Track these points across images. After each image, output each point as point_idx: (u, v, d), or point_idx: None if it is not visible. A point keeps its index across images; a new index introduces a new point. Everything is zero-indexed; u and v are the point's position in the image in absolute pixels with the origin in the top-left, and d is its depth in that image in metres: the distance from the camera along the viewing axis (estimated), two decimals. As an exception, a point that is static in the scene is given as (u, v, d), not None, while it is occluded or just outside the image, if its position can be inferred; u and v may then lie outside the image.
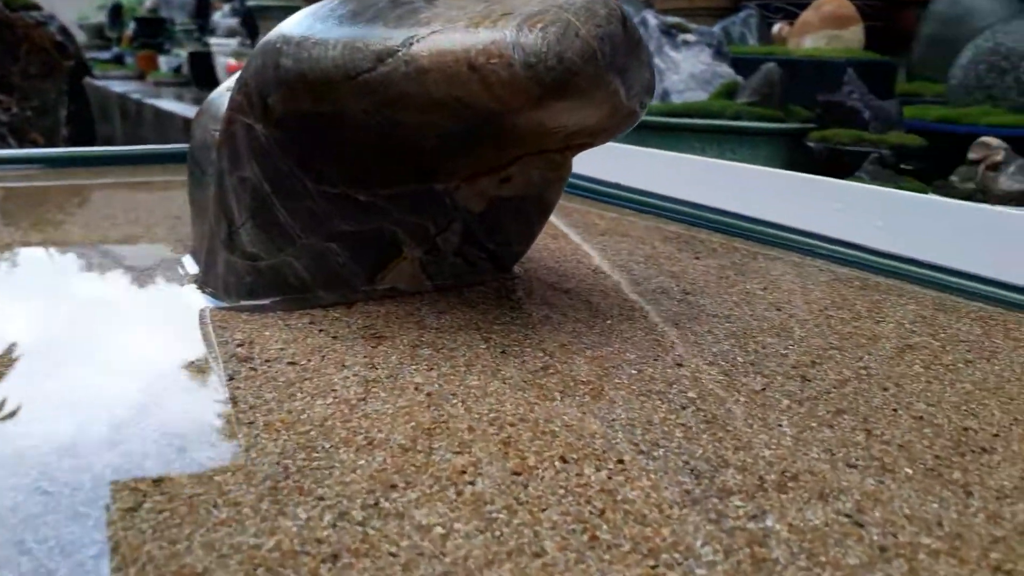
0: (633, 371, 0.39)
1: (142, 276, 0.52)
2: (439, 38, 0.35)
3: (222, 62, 3.95)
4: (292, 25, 0.39)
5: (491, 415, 0.34)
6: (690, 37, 1.71)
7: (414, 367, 0.38)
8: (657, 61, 1.76)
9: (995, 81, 1.40)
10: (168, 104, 3.10)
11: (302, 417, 0.33)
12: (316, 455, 0.30)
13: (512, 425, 0.33)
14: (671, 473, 0.30)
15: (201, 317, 0.44)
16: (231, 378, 0.37)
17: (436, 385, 0.36)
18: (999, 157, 1.26)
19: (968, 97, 1.45)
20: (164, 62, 4.78)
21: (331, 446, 0.31)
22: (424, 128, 0.39)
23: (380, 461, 0.30)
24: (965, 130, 1.32)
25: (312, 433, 0.32)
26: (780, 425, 0.34)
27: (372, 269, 0.46)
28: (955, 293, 0.53)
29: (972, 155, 1.30)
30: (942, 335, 0.45)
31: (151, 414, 0.33)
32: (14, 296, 0.49)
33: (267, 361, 0.39)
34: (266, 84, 0.40)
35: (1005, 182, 1.25)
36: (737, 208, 0.71)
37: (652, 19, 1.74)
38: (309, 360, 0.39)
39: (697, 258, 0.60)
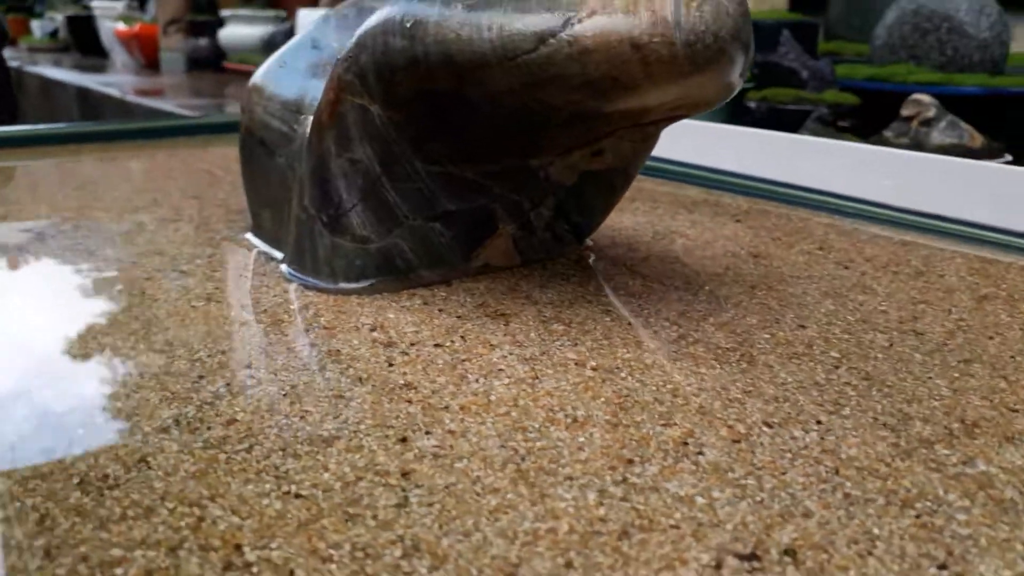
0: (766, 335, 0.40)
1: (223, 263, 0.50)
2: (601, 19, 0.35)
3: (108, 27, 3.72)
4: (418, 6, 0.38)
5: (668, 386, 0.35)
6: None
7: (558, 343, 0.39)
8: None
9: (918, 41, 1.49)
10: (57, 73, 2.89)
11: (492, 399, 0.33)
12: (532, 435, 0.31)
13: (696, 395, 0.34)
14: (869, 429, 0.32)
15: (316, 304, 0.43)
16: (390, 364, 0.36)
17: (594, 360, 0.37)
18: (930, 113, 1.34)
19: (892, 56, 1.53)
20: (38, 27, 4.46)
21: (540, 425, 0.31)
22: (563, 107, 0.39)
23: (599, 437, 0.31)
24: (895, 88, 1.40)
25: (513, 414, 0.32)
26: (930, 377, 0.37)
27: (470, 247, 0.46)
28: (988, 246, 0.58)
29: (905, 112, 1.38)
30: (1004, 285, 0.49)
31: (349, 406, 0.32)
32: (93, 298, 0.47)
33: (412, 344, 0.38)
34: (390, 65, 0.39)
35: (936, 136, 1.34)
36: (748, 170, 0.73)
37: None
38: (452, 341, 0.39)
39: (738, 221, 0.62)
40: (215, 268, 0.49)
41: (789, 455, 0.30)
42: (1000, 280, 0.50)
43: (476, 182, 0.44)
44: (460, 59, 0.36)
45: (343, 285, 0.44)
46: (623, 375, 0.36)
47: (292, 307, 0.43)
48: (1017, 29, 1.65)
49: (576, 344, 0.39)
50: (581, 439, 0.31)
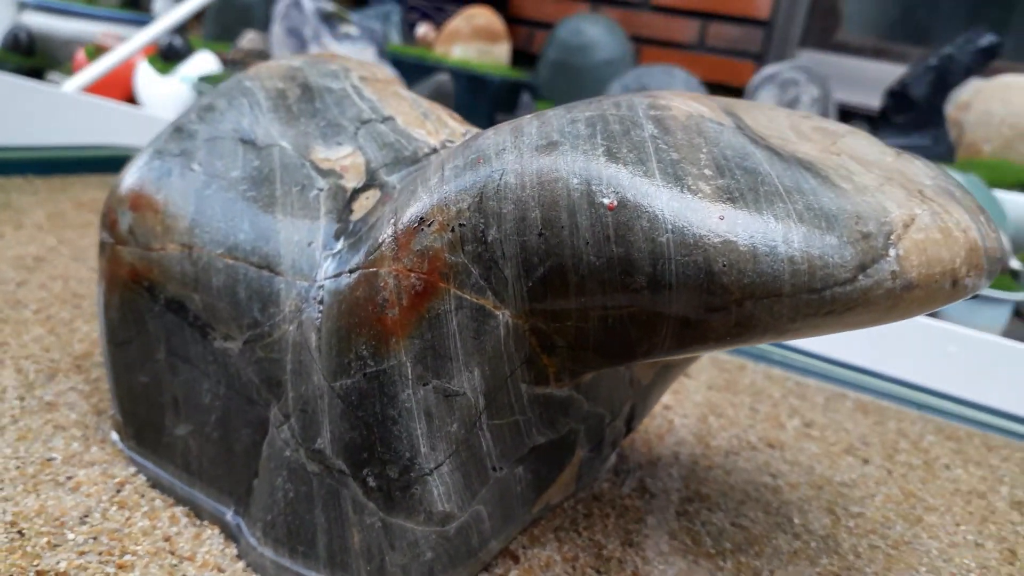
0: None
1: (106, 524, 0.28)
2: (926, 238, 0.23)
3: None
4: (617, 168, 0.23)
5: None
6: (353, 30, 1.57)
7: None
8: (316, 49, 1.58)
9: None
10: None
11: None
12: None
13: None
14: None
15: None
16: None
17: None
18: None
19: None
20: None
21: None
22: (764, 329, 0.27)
23: None
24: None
25: None
26: None
27: (540, 490, 0.31)
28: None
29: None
30: None
31: None
32: None
33: None
34: (558, 259, 0.23)
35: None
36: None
37: (309, 2, 1.54)
38: None
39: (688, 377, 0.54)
40: (95, 532, 0.27)
41: None
42: None
43: (570, 398, 0.30)
44: (728, 281, 0.22)
45: (398, 595, 0.26)
46: None
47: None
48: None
49: None
50: None
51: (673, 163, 0.24)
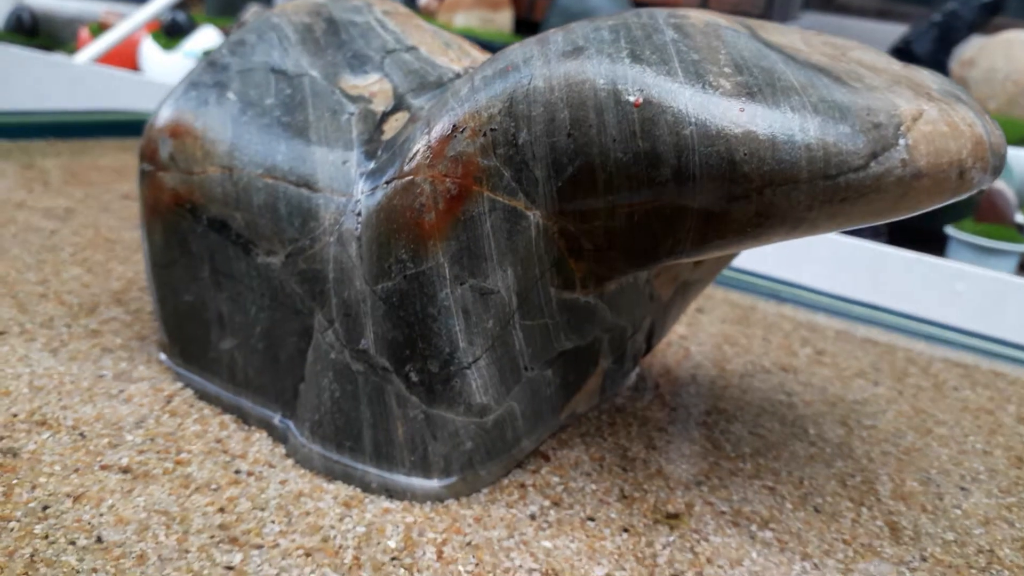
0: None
1: (160, 427, 0.29)
2: (933, 130, 0.25)
3: None
4: (641, 69, 0.24)
5: None
6: (356, 1, 1.57)
7: (759, 547, 0.28)
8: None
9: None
10: None
11: None
12: None
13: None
14: None
15: (414, 527, 0.26)
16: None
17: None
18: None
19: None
20: None
21: None
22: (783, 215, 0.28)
23: None
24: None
25: None
26: None
27: (567, 396, 0.33)
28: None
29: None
30: None
31: None
32: None
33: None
34: (587, 157, 0.25)
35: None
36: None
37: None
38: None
39: (704, 314, 0.55)
40: (151, 435, 0.29)
41: None
42: None
43: (595, 305, 0.31)
44: (749, 169, 0.24)
45: (438, 483, 0.28)
46: None
47: (378, 543, 0.26)
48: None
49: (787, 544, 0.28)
50: None
51: (695, 63, 0.25)
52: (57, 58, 1.18)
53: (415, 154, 0.27)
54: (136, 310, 0.39)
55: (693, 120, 0.24)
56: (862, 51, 0.31)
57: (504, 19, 1.74)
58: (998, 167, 0.27)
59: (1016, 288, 0.62)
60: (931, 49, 1.42)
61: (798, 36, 0.31)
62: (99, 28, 1.83)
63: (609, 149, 0.25)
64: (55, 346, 0.34)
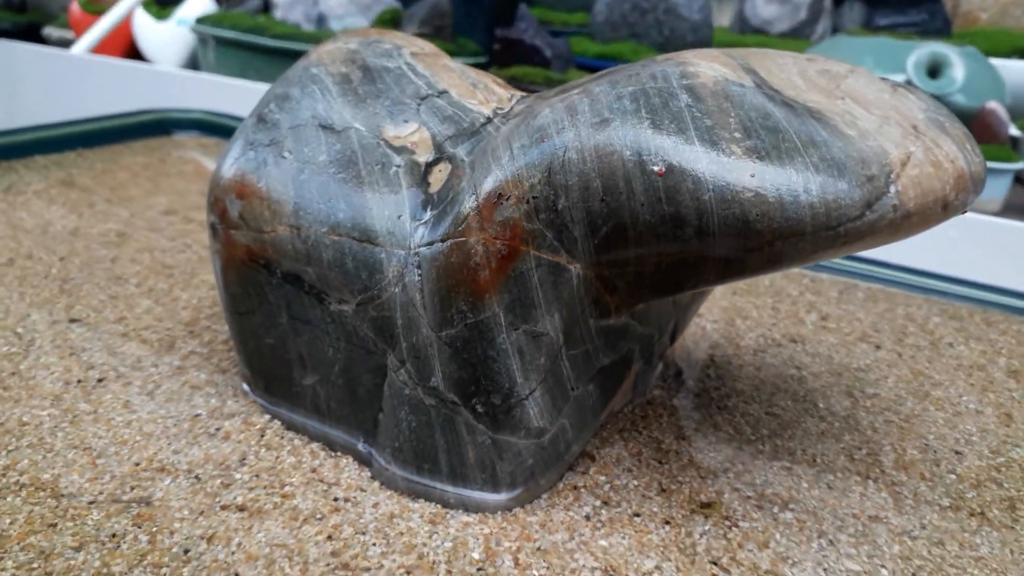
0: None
1: (258, 461, 0.34)
2: (920, 172, 0.28)
3: None
4: (660, 139, 0.28)
5: None
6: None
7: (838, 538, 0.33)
8: (308, -18, 1.57)
9: (638, 20, 1.57)
10: None
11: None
12: None
13: None
14: None
15: (489, 536, 0.31)
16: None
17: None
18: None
19: (614, 33, 1.60)
20: None
21: None
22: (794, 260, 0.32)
23: None
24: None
25: None
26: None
27: (607, 399, 0.37)
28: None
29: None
30: None
31: None
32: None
33: (682, 584, 0.30)
34: (618, 219, 0.29)
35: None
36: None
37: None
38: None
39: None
40: (255, 471, 0.33)
41: None
42: None
43: (627, 324, 0.36)
44: (761, 227, 0.28)
45: (505, 496, 0.33)
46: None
47: (464, 556, 0.30)
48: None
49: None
50: None
51: (708, 129, 0.28)
52: (58, 52, 1.19)
53: (467, 216, 0.31)
54: (209, 341, 0.44)
55: (711, 186, 0.28)
56: (855, 77, 0.34)
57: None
58: (978, 189, 0.31)
59: (1006, 231, 0.66)
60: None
61: (795, 68, 0.34)
62: (89, 1, 1.82)
63: (638, 212, 0.28)
64: (150, 388, 0.39)
